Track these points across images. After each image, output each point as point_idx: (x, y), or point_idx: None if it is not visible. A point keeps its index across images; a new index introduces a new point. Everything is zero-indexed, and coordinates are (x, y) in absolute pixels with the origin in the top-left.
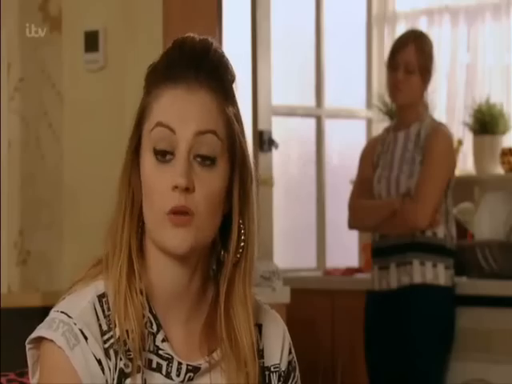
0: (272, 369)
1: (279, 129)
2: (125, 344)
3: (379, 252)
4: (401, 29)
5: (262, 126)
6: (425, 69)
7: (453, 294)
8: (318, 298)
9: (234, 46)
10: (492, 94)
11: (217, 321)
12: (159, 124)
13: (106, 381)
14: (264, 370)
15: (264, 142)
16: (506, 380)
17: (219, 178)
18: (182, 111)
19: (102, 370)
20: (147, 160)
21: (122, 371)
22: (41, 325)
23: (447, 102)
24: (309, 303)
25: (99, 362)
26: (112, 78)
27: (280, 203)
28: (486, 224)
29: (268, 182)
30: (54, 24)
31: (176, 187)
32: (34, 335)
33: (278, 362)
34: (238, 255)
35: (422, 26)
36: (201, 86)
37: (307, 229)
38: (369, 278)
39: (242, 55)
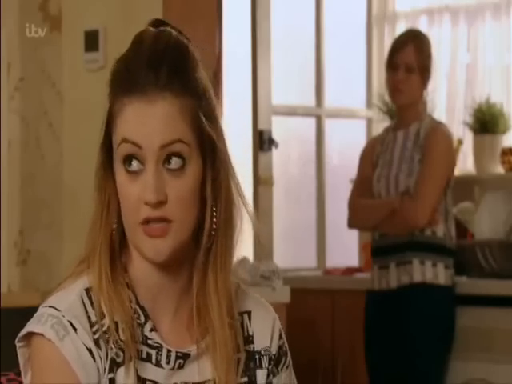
0: (263, 352)
1: (279, 128)
2: (115, 334)
3: (379, 251)
4: (401, 28)
5: (262, 126)
6: (424, 68)
7: (453, 294)
8: (318, 298)
9: (234, 46)
10: (492, 94)
11: (206, 306)
12: (124, 140)
13: (98, 369)
14: (254, 354)
15: (264, 141)
16: (506, 380)
17: (190, 180)
18: (144, 126)
19: (93, 358)
20: (119, 171)
21: (113, 360)
22: (30, 321)
23: (447, 101)
24: (309, 303)
25: (90, 350)
26: None
27: (280, 203)
28: (486, 223)
29: (268, 182)
30: (54, 24)
31: (144, 201)
32: (23, 332)
33: (268, 345)
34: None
35: (422, 25)
36: (162, 92)
37: (307, 228)
38: (369, 277)
39: (242, 55)
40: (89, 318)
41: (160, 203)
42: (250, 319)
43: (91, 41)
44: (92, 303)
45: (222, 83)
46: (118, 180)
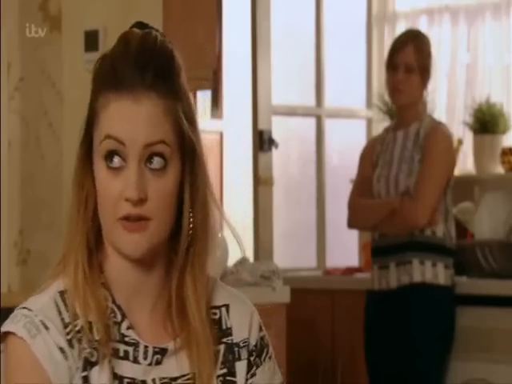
0: (241, 344)
1: (279, 128)
2: (88, 333)
3: (379, 251)
4: (401, 28)
5: (262, 126)
6: (424, 68)
7: (453, 294)
8: (318, 298)
9: (234, 45)
10: (492, 94)
11: (183, 304)
12: (108, 137)
13: (70, 368)
14: (233, 347)
15: (264, 141)
16: (506, 380)
17: (171, 181)
18: (129, 124)
19: (65, 357)
20: (99, 167)
21: (87, 360)
22: (5, 322)
23: (447, 101)
24: (309, 303)
25: (62, 350)
26: None
27: (280, 203)
28: (486, 223)
29: (268, 182)
30: (54, 24)
31: (126, 198)
32: None
33: (246, 336)
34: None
35: (422, 25)
36: (148, 92)
37: (307, 228)
38: (369, 277)
39: (242, 55)
40: (62, 319)
41: (141, 201)
42: (228, 312)
43: (91, 41)
44: (66, 305)
45: (222, 83)
46: (97, 176)
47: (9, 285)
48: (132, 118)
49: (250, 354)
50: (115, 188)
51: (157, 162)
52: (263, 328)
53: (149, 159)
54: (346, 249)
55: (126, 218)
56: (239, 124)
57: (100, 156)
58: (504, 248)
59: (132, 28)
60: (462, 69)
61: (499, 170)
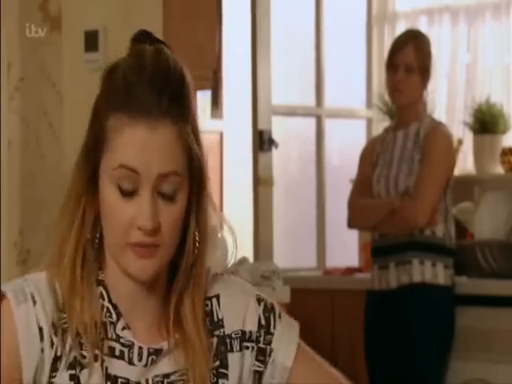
0: (233, 335)
1: (279, 128)
2: (78, 336)
3: (379, 251)
4: (401, 28)
5: (261, 126)
6: (424, 68)
7: (452, 294)
8: (318, 298)
9: (234, 45)
10: (492, 94)
11: (180, 317)
12: (122, 166)
13: (43, 350)
14: (225, 338)
15: (264, 141)
16: (505, 380)
17: (180, 208)
18: (144, 153)
19: (41, 338)
20: (109, 191)
21: (76, 360)
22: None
23: (447, 101)
24: (309, 303)
25: (40, 329)
26: None
27: (280, 203)
28: (486, 223)
29: (268, 182)
30: (54, 24)
31: (139, 227)
32: None
33: (239, 328)
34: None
35: (422, 25)
36: (163, 118)
37: (307, 228)
38: (369, 277)
39: (242, 55)
40: (54, 303)
41: (154, 230)
42: (218, 303)
43: (91, 41)
44: (60, 295)
45: (222, 83)
46: (106, 197)
47: None
48: (147, 147)
49: (255, 340)
50: (127, 214)
51: (168, 189)
52: (268, 314)
53: (160, 192)
54: (345, 249)
55: (137, 245)
56: (239, 124)
57: (111, 181)
58: (504, 248)
59: (137, 36)
60: (462, 69)
61: (499, 170)
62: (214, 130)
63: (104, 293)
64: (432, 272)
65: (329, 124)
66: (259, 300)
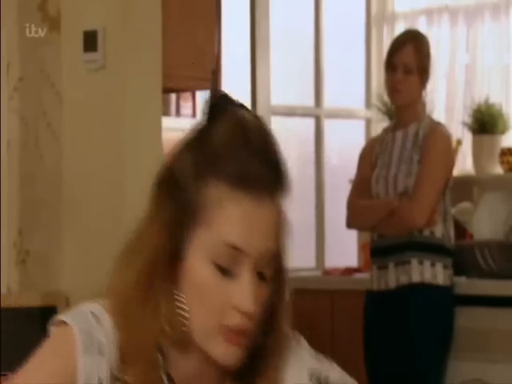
0: None
1: (278, 129)
2: None
3: (378, 251)
4: (400, 29)
5: None
6: (423, 69)
7: (451, 294)
8: (317, 298)
9: (234, 46)
10: (491, 94)
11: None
12: (227, 244)
13: None
14: None
15: None
16: (503, 380)
17: (269, 288)
18: (251, 231)
19: None
20: (204, 268)
21: None
22: (66, 313)
23: (446, 101)
24: (308, 303)
25: (100, 381)
26: (111, 78)
27: None
28: (485, 224)
29: None
30: (53, 24)
31: (240, 310)
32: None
33: None
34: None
35: (421, 25)
36: (271, 192)
37: (306, 228)
38: (368, 277)
39: (241, 55)
40: (121, 354)
41: (254, 313)
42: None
43: (90, 41)
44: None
45: (221, 84)
46: (200, 276)
47: (8, 285)
48: (254, 226)
49: None
50: (224, 293)
51: (266, 269)
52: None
53: (260, 266)
54: (345, 249)
55: (232, 330)
56: None
57: (207, 258)
58: (503, 248)
59: (217, 99)
60: (461, 69)
61: (498, 170)
62: None
63: (161, 361)
64: (431, 272)
65: (328, 124)
66: (311, 376)
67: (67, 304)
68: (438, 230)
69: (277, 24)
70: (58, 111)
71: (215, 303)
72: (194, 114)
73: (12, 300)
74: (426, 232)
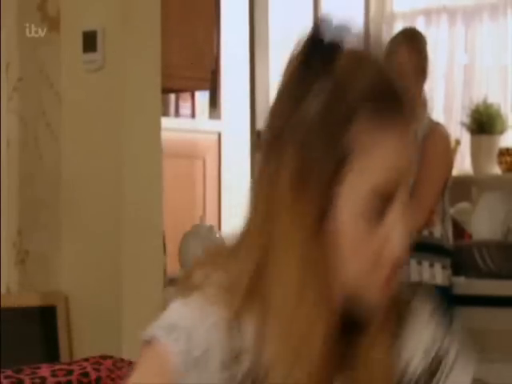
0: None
1: None
2: None
3: None
4: (398, 29)
5: (260, 126)
6: (420, 69)
7: (450, 294)
8: None
9: (233, 46)
10: (489, 94)
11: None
12: (388, 169)
13: None
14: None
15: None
16: (502, 380)
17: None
18: (405, 151)
19: None
20: (353, 221)
21: None
22: (155, 326)
23: (445, 102)
24: None
25: None
26: (110, 78)
27: None
28: (484, 224)
29: None
30: (53, 24)
31: (395, 254)
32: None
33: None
34: None
35: (420, 26)
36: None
37: None
38: None
39: (241, 56)
40: (229, 351)
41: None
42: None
43: (89, 41)
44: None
45: (221, 84)
46: (350, 232)
47: (7, 285)
48: (406, 151)
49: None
50: (377, 242)
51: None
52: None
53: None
54: None
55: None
56: (237, 124)
57: (360, 210)
58: (502, 248)
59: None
60: (460, 69)
61: (496, 170)
62: (213, 130)
63: None
64: (430, 272)
65: None
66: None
67: (66, 304)
68: (437, 231)
69: (276, 24)
70: (58, 111)
71: (369, 254)
72: (193, 114)
73: (11, 300)
74: (425, 232)
